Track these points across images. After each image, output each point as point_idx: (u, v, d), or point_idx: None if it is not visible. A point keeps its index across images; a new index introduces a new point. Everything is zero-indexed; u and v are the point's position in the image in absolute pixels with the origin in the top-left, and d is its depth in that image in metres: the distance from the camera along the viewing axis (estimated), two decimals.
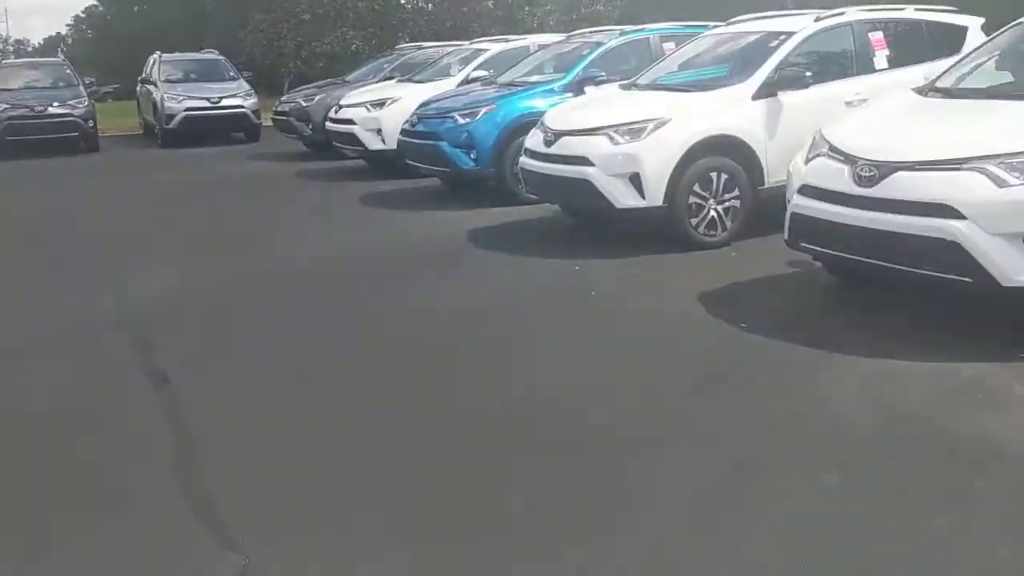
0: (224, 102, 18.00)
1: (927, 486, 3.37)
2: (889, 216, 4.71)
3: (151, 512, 3.44)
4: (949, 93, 5.66)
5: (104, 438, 4.16)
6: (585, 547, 3.07)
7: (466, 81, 11.93)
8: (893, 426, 3.89)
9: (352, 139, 12.50)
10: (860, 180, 4.87)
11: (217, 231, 9.33)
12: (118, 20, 39.53)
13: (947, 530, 3.06)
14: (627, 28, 10.74)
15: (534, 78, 10.39)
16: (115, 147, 18.57)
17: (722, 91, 7.46)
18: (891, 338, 4.80)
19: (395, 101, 12.01)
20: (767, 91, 7.20)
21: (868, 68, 7.62)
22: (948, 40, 7.77)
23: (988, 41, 6.29)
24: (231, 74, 19.53)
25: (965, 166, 4.55)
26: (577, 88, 9.40)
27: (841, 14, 7.79)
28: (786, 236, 5.51)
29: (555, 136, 7.57)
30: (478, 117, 9.63)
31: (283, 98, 17.68)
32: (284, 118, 15.98)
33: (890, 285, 5.35)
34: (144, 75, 20.44)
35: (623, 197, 7.03)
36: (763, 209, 6.91)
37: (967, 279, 4.52)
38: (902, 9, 8.19)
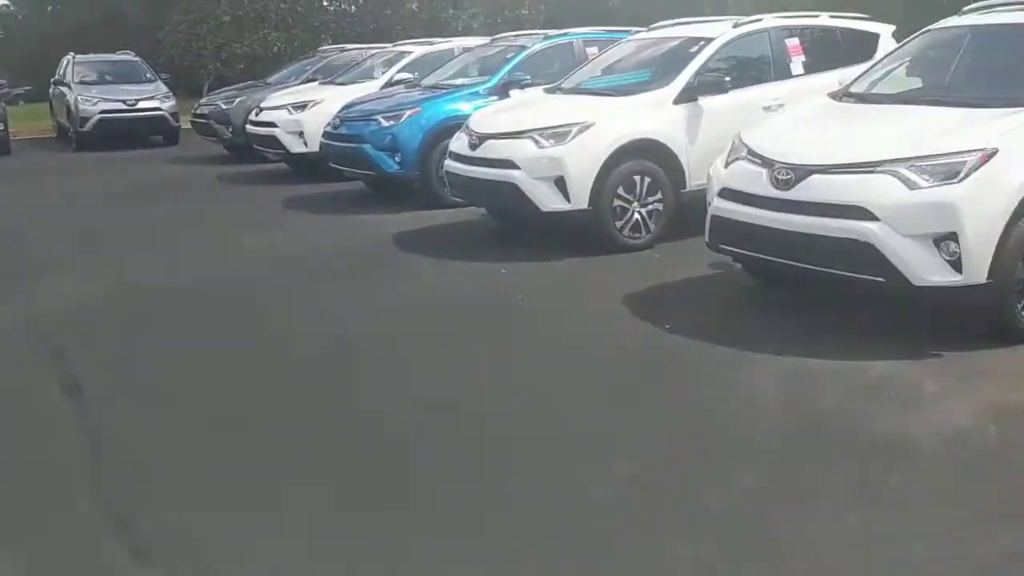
0: (141, 104, 17.53)
1: (842, 484, 3.44)
2: (806, 218, 4.82)
3: (62, 528, 3.33)
4: (862, 98, 5.82)
5: (11, 450, 4.00)
6: (493, 546, 3.06)
7: (390, 84, 11.82)
8: (809, 424, 3.98)
9: (273, 142, 12.30)
10: (778, 183, 4.97)
11: (134, 236, 9.09)
12: (30, 20, 38.27)
13: (861, 527, 3.12)
14: (551, 32, 10.75)
15: (459, 81, 10.34)
16: (27, 151, 17.98)
17: (644, 96, 7.53)
18: (808, 338, 4.90)
19: (317, 103, 11.85)
20: (688, 96, 7.30)
21: (785, 74, 7.77)
22: (861, 46, 7.98)
23: (899, 48, 6.49)
24: (148, 76, 19.04)
25: (878, 169, 4.68)
26: (502, 91, 9.39)
27: (759, 20, 7.95)
28: (707, 238, 5.60)
29: (480, 139, 7.56)
30: (402, 120, 9.55)
31: (202, 100, 17.28)
32: (203, 121, 15.63)
33: (807, 286, 5.47)
34: (57, 76, 19.80)
35: (548, 200, 7.05)
36: (685, 212, 7.00)
37: (880, 279, 4.65)
38: (817, 16, 8.38)
